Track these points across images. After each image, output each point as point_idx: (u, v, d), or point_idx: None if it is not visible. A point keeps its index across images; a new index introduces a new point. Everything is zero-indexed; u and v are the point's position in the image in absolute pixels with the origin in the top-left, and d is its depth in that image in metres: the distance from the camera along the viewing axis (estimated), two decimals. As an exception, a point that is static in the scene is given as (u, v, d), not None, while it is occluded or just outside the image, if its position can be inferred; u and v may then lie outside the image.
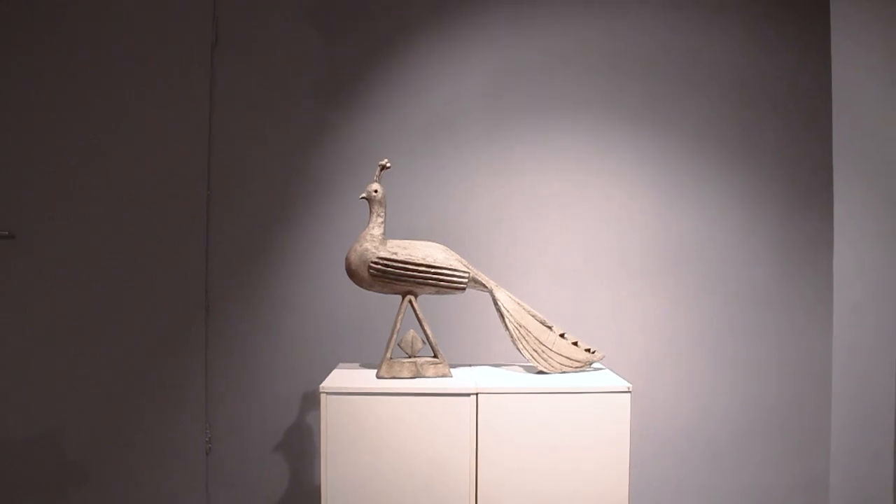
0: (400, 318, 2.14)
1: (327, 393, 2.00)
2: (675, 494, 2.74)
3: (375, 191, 2.14)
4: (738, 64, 2.76)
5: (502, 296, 2.19)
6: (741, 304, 2.75)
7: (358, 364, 2.34)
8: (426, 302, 2.24)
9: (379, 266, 2.10)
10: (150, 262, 2.73)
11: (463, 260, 2.19)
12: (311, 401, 2.72)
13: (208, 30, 2.75)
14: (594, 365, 2.27)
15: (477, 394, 2.01)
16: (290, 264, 2.77)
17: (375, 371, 2.16)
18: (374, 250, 2.11)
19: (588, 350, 2.21)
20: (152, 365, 2.73)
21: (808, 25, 2.71)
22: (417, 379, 2.10)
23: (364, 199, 2.16)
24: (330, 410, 1.99)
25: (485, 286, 2.18)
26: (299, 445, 2.74)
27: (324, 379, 2.07)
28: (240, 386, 2.76)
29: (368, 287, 2.14)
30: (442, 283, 2.13)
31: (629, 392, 2.02)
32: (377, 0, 2.78)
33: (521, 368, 2.30)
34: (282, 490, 2.75)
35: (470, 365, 2.36)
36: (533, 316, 2.20)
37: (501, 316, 2.18)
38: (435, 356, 2.15)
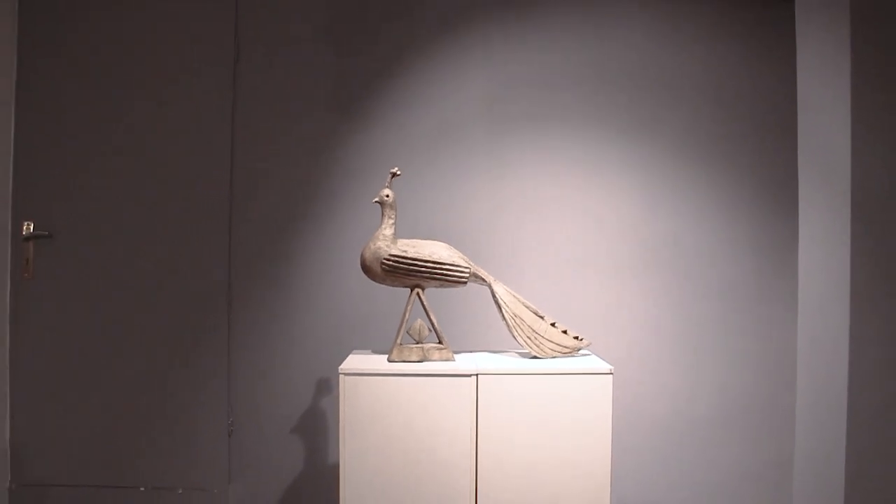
0: (409, 308, 2.24)
1: (346, 374, 2.12)
2: (658, 472, 2.80)
3: (387, 195, 2.23)
4: (716, 80, 2.80)
5: (500, 289, 2.28)
6: (719, 298, 2.80)
7: (370, 350, 2.43)
8: (432, 294, 2.31)
9: (390, 262, 2.20)
10: (176, 260, 2.81)
11: (465, 257, 2.28)
12: (325, 386, 2.79)
13: (230, 47, 2.83)
14: (582, 351, 2.34)
15: (477, 375, 2.12)
16: (305, 262, 2.84)
17: (387, 356, 2.25)
18: (386, 248, 2.21)
19: (576, 338, 2.29)
20: (178, 355, 2.80)
21: (778, 45, 2.75)
22: (424, 362, 2.20)
23: (377, 203, 2.25)
24: (347, 390, 2.11)
25: (484, 280, 2.27)
26: (315, 427, 2.81)
27: (338, 366, 2.16)
28: (260, 373, 2.84)
29: (381, 281, 2.25)
30: (446, 277, 2.23)
31: (611, 374, 2.13)
32: (387, 19, 2.85)
33: (516, 354, 2.37)
34: (298, 468, 2.82)
35: (471, 350, 2.45)
36: (527, 307, 2.28)
37: (499, 307, 2.26)
38: (440, 342, 2.25)
